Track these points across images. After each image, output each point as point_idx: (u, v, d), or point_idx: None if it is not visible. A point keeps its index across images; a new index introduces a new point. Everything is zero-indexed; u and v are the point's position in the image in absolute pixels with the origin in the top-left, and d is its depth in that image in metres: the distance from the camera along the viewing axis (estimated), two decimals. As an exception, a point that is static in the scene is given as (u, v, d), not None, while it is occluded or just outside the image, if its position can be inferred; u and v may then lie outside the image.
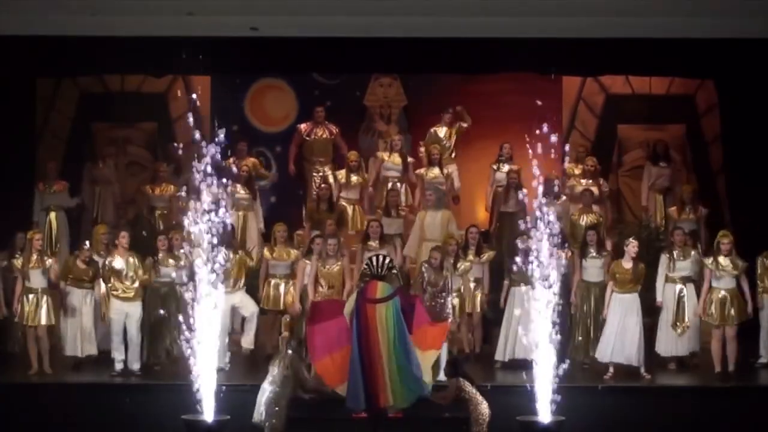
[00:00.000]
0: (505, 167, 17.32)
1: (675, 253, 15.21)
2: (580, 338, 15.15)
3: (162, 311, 14.73)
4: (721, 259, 14.81)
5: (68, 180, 17.40)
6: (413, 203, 17.40)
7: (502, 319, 15.28)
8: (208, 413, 13.06)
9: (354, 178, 17.34)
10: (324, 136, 18.04)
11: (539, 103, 15.45)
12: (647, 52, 15.80)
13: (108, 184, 17.83)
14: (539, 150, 13.45)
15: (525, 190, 16.14)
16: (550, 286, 13.08)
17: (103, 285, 15.04)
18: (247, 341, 15.33)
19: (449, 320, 14.38)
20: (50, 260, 14.99)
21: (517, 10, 15.32)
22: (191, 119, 13.38)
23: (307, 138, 18.05)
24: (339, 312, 13.51)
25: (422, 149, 17.75)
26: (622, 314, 14.80)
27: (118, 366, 14.83)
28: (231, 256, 15.04)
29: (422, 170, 17.38)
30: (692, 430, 13.97)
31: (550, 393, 13.05)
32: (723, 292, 14.80)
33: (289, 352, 13.12)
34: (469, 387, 12.90)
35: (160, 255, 15.13)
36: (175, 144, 16.76)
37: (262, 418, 12.92)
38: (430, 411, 13.25)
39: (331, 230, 15.88)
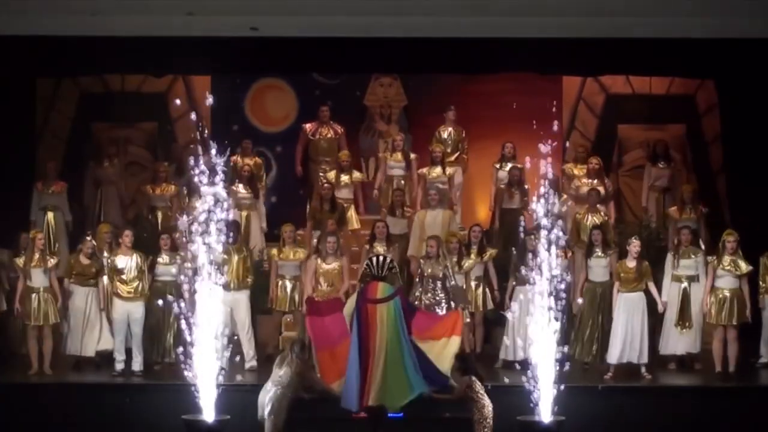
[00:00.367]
0: (508, 166, 17.32)
1: (680, 251, 15.23)
2: (584, 338, 15.14)
3: (160, 302, 14.69)
4: (725, 259, 14.82)
5: (68, 180, 17.39)
6: (415, 201, 17.40)
7: (502, 319, 15.27)
8: (208, 413, 13.06)
9: (344, 178, 17.33)
10: (329, 135, 18.03)
11: (553, 108, 15.44)
12: (647, 52, 15.80)
13: (111, 183, 17.83)
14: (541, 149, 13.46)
15: (527, 186, 16.25)
16: (551, 289, 13.12)
17: (105, 279, 15.03)
18: (249, 357, 15.27)
19: (460, 308, 14.42)
20: (52, 260, 15.00)
21: (517, 10, 15.31)
22: (193, 116, 13.42)
23: (312, 138, 18.04)
24: (338, 309, 13.55)
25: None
26: (628, 314, 14.81)
27: (119, 366, 14.83)
28: (234, 255, 15.12)
29: (424, 170, 17.38)
30: (692, 430, 13.97)
31: (550, 393, 13.06)
32: (726, 292, 14.81)
33: (295, 357, 13.10)
34: (478, 387, 12.90)
35: (162, 254, 15.14)
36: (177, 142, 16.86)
37: (265, 415, 12.93)
38: (430, 411, 13.26)
39: (332, 229, 15.89)
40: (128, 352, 14.90)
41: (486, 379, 13.31)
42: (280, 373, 13.04)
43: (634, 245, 14.93)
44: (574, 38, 15.41)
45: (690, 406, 14.05)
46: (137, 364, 14.87)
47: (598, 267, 15.20)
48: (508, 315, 14.74)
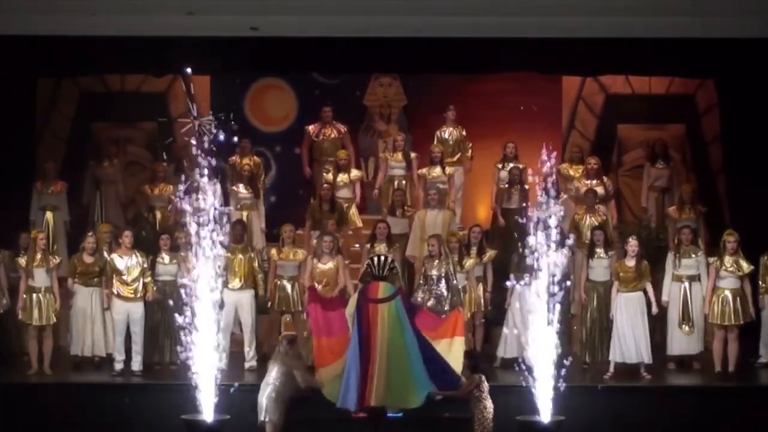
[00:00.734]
0: (509, 166, 17.32)
1: (681, 251, 15.23)
2: (585, 338, 15.15)
3: (158, 295, 14.69)
4: (727, 259, 14.83)
5: (68, 180, 17.39)
6: (416, 201, 17.41)
7: (502, 319, 15.29)
8: (208, 413, 13.07)
9: (342, 177, 17.33)
10: (332, 135, 18.01)
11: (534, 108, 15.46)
12: (647, 52, 15.81)
13: (111, 183, 17.82)
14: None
15: (527, 186, 16.26)
16: (552, 289, 13.13)
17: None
18: (249, 357, 15.29)
19: (459, 308, 14.46)
20: (54, 260, 15.01)
21: (517, 10, 15.32)
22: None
23: (316, 139, 18.03)
24: (339, 306, 13.56)
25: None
26: (628, 313, 14.82)
27: (119, 366, 14.83)
28: (239, 255, 15.12)
29: (424, 170, 17.38)
30: (692, 430, 13.98)
31: (550, 393, 13.06)
32: (727, 292, 14.81)
33: (280, 350, 13.13)
34: (485, 387, 12.90)
35: (162, 254, 15.15)
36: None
37: (263, 416, 12.94)
38: (430, 411, 13.26)
39: (331, 230, 15.90)
40: (128, 352, 14.90)
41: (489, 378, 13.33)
42: (272, 372, 13.05)
43: (631, 245, 14.94)
44: (574, 38, 15.42)
45: (690, 406, 14.06)
46: (137, 364, 14.87)
47: (600, 267, 15.21)
48: (509, 313, 14.85)
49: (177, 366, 14.50)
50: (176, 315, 13.37)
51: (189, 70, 14.01)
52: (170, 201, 17.19)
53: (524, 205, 16.13)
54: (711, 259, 14.95)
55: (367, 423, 13.25)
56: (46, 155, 17.76)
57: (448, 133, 17.95)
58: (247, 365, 15.12)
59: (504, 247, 15.98)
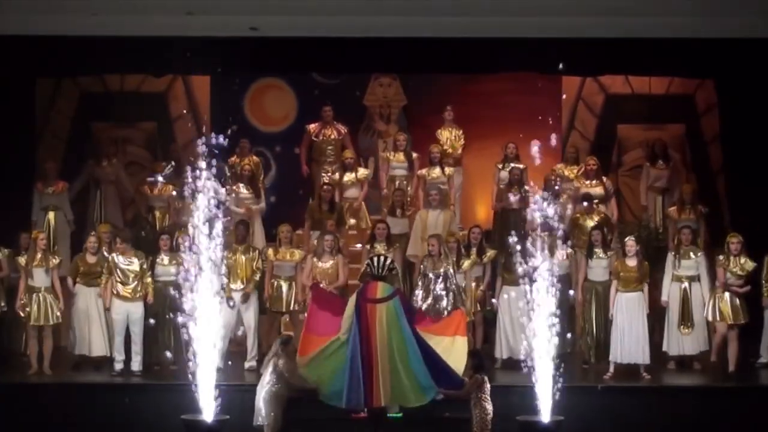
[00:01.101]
0: (510, 166, 17.31)
1: (681, 251, 15.24)
2: (584, 338, 15.15)
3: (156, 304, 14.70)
4: (732, 260, 14.83)
5: (68, 180, 17.39)
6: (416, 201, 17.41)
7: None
8: (208, 413, 13.06)
9: (348, 177, 17.33)
10: (333, 136, 18.01)
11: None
12: (647, 52, 15.80)
13: (111, 183, 17.82)
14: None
15: (527, 187, 16.26)
16: (554, 286, 13.14)
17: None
18: (249, 357, 15.28)
19: (461, 308, 14.47)
20: (55, 260, 15.01)
21: (517, 10, 15.32)
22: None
23: (316, 139, 18.03)
24: (338, 311, 13.56)
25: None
26: (628, 313, 14.82)
27: (118, 366, 14.83)
28: (241, 255, 15.12)
29: (424, 170, 17.38)
30: (692, 430, 13.98)
31: (550, 393, 13.06)
32: (729, 293, 14.83)
33: (274, 351, 13.12)
34: (487, 388, 12.89)
35: (162, 255, 15.15)
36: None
37: (261, 420, 12.93)
38: (430, 411, 13.26)
39: (331, 230, 15.91)
40: (127, 352, 14.90)
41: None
42: (266, 374, 13.04)
43: (629, 245, 14.94)
44: (574, 38, 15.42)
45: (690, 406, 14.06)
46: (136, 364, 14.88)
47: (599, 267, 15.22)
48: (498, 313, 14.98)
49: (177, 366, 14.51)
50: (174, 314, 13.38)
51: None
52: (170, 202, 17.23)
53: (525, 198, 16.22)
54: (720, 258, 14.94)
55: (367, 423, 13.25)
56: (46, 155, 17.75)
57: (447, 133, 17.96)
58: (247, 365, 15.12)
59: (503, 248, 15.98)
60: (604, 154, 18.25)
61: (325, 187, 16.86)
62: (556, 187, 16.01)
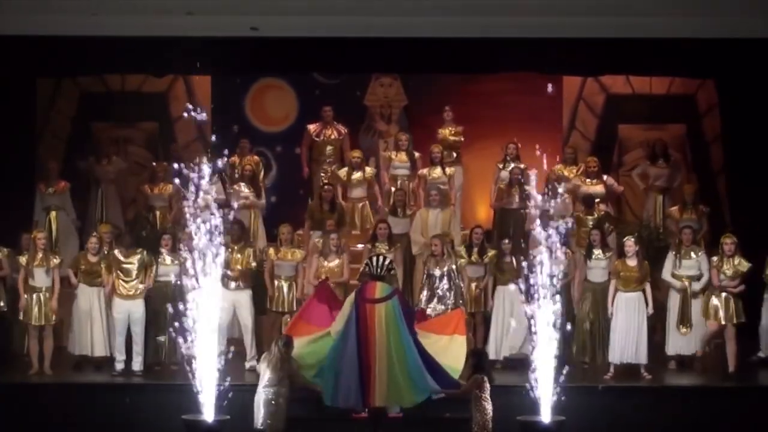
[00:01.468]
0: (510, 166, 17.32)
1: (682, 251, 15.24)
2: (583, 338, 15.15)
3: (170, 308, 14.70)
4: (725, 261, 14.83)
5: (69, 180, 17.40)
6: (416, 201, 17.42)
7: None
8: (208, 413, 13.06)
9: (356, 176, 17.34)
10: (333, 136, 18.02)
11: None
12: (647, 52, 15.80)
13: (111, 183, 17.83)
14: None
15: (528, 187, 16.25)
16: (555, 290, 13.14)
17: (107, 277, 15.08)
18: (249, 357, 15.28)
19: (461, 307, 14.49)
20: (55, 259, 15.02)
21: (517, 10, 15.32)
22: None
23: (317, 139, 18.03)
24: (337, 306, 13.61)
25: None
26: (628, 313, 14.81)
27: (119, 366, 14.84)
28: (237, 254, 15.11)
29: (425, 170, 17.39)
30: (692, 430, 13.97)
31: (550, 393, 13.06)
32: (724, 293, 14.80)
33: (275, 352, 13.11)
34: (487, 388, 12.89)
35: (163, 254, 15.16)
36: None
37: (262, 421, 12.92)
38: (430, 411, 13.26)
39: (332, 229, 15.93)
40: (128, 352, 14.91)
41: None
42: (267, 374, 13.03)
43: (628, 245, 14.94)
44: (574, 38, 15.42)
45: (690, 406, 14.06)
46: (137, 364, 14.88)
47: (597, 268, 15.21)
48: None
49: (177, 366, 14.51)
50: (173, 311, 13.39)
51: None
52: (170, 202, 17.23)
53: (525, 206, 16.22)
54: (714, 259, 14.94)
55: (367, 423, 13.25)
56: (47, 155, 17.76)
57: (445, 133, 17.96)
58: (247, 365, 15.12)
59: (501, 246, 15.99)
60: (604, 154, 18.26)
61: (325, 187, 16.87)
62: (559, 190, 16.04)
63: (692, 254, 15.23)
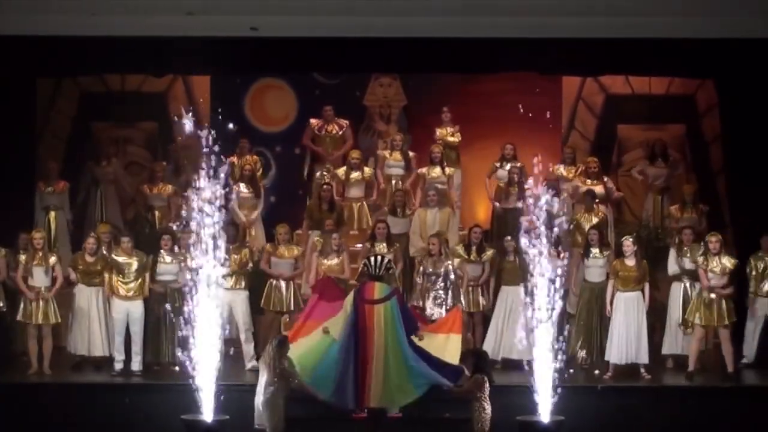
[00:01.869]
0: (508, 166, 17.32)
1: (682, 250, 15.24)
2: (582, 338, 15.15)
3: (168, 306, 14.70)
4: (711, 259, 14.81)
5: (69, 180, 17.40)
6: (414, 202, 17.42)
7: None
8: (208, 413, 13.06)
9: (354, 175, 17.34)
10: (334, 132, 18.03)
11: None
12: (647, 52, 15.80)
13: (111, 183, 17.83)
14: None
15: (526, 186, 16.25)
16: (553, 287, 13.14)
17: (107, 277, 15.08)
18: (249, 357, 15.28)
19: (459, 306, 14.50)
20: (54, 259, 15.02)
21: (517, 10, 15.32)
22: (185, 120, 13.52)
23: (318, 133, 18.04)
24: (339, 295, 13.61)
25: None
26: (627, 313, 14.82)
27: (118, 366, 14.84)
28: (233, 255, 15.11)
29: (424, 169, 17.40)
30: (692, 430, 13.97)
31: (550, 393, 13.06)
32: (713, 294, 14.78)
33: (270, 352, 13.10)
34: (487, 388, 12.89)
35: (163, 254, 15.15)
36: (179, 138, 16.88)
37: (262, 422, 12.92)
38: (430, 411, 13.26)
39: (330, 228, 15.94)
40: (128, 352, 14.91)
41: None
42: (263, 377, 13.03)
43: (627, 245, 14.95)
44: (574, 38, 15.42)
45: (690, 406, 14.06)
46: (136, 364, 14.88)
47: (595, 267, 15.21)
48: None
49: (177, 366, 14.50)
50: (175, 313, 13.39)
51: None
52: (169, 202, 17.23)
53: (522, 205, 16.23)
54: (700, 260, 14.91)
55: (367, 423, 13.25)
56: (47, 155, 17.76)
57: (443, 133, 17.97)
58: (247, 365, 15.11)
59: (500, 246, 16.00)
60: (604, 154, 18.26)
61: (324, 186, 16.87)
62: (562, 190, 16.07)
63: (693, 253, 15.22)
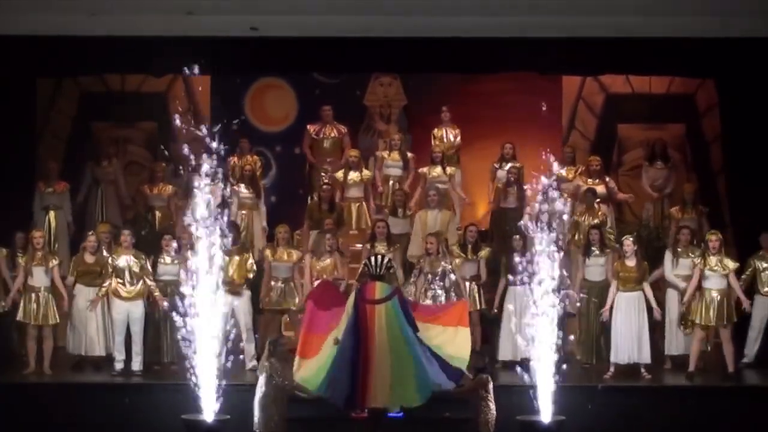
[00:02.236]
0: (507, 166, 17.32)
1: (680, 251, 15.23)
2: (582, 338, 15.15)
3: (165, 304, 14.67)
4: (710, 259, 14.80)
5: (69, 180, 17.40)
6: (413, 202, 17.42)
7: (498, 319, 15.30)
8: (208, 413, 13.06)
9: (352, 176, 17.34)
10: (333, 135, 18.04)
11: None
12: (647, 52, 15.80)
13: (111, 183, 17.83)
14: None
15: (526, 186, 16.27)
16: (552, 287, 13.13)
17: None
18: (249, 357, 15.28)
19: (465, 299, 14.48)
20: (54, 259, 15.01)
21: (517, 10, 15.32)
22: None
23: (316, 137, 18.05)
24: (338, 300, 13.55)
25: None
26: (628, 313, 14.82)
27: (118, 366, 14.84)
28: (235, 256, 15.11)
29: (425, 169, 17.40)
30: (692, 430, 13.97)
31: (550, 393, 13.06)
32: (714, 293, 14.75)
33: (266, 353, 13.08)
34: (491, 388, 12.89)
35: (163, 254, 15.15)
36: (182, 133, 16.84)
37: (262, 424, 12.91)
38: (430, 411, 13.25)
39: (329, 228, 15.93)
40: (128, 352, 14.91)
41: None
42: (261, 378, 13.02)
43: (626, 244, 14.95)
44: (574, 38, 15.42)
45: (690, 406, 14.06)
46: (137, 364, 14.88)
47: (596, 267, 15.21)
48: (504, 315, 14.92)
49: (177, 366, 14.51)
50: (176, 314, 13.38)
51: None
52: (170, 202, 17.23)
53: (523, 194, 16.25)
54: (696, 260, 14.90)
55: (367, 423, 13.24)
56: (47, 155, 17.77)
57: (443, 133, 17.96)
58: (248, 365, 15.12)
59: (500, 247, 15.99)
60: (604, 153, 18.25)
61: (324, 186, 16.88)
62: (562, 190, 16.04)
63: (689, 254, 15.21)
